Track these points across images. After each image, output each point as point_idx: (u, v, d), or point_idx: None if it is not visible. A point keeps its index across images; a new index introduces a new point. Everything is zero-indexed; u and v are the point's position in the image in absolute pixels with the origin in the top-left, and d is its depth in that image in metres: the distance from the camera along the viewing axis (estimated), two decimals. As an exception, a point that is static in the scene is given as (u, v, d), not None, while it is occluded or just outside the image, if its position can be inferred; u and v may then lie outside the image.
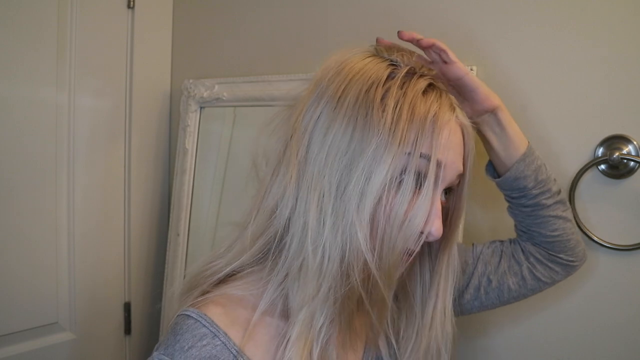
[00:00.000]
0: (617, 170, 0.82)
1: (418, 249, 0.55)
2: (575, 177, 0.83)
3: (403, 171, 0.52)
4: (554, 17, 0.85)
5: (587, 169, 0.82)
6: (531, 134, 0.87)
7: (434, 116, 0.53)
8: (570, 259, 0.72)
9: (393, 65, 0.57)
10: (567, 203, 0.72)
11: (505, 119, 0.69)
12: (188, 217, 1.29)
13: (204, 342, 0.53)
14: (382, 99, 0.53)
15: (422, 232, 0.54)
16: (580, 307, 0.86)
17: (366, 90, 0.53)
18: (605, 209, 0.83)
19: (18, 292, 1.14)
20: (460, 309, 0.74)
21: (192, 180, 1.29)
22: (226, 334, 0.54)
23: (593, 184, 0.84)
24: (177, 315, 0.57)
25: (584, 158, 0.84)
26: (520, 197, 0.70)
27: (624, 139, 0.81)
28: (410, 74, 0.56)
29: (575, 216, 0.83)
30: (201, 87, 1.27)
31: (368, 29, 1.05)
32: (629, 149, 0.80)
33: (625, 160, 0.80)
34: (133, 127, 1.32)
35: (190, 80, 1.29)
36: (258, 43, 1.23)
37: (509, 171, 0.69)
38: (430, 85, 0.56)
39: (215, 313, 0.56)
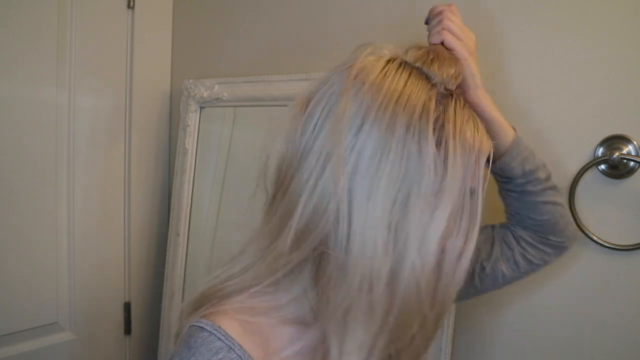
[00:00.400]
0: (617, 170, 0.82)
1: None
2: (575, 177, 0.83)
3: (460, 210, 0.51)
4: (554, 17, 0.85)
5: (587, 169, 0.82)
6: (531, 134, 0.87)
7: (478, 150, 0.53)
8: (560, 240, 0.73)
9: (434, 85, 0.54)
10: (557, 187, 0.72)
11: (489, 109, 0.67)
12: (188, 217, 1.29)
13: (220, 356, 0.52)
14: (434, 130, 0.51)
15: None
16: (579, 306, 0.86)
17: (418, 118, 0.51)
18: (605, 209, 0.83)
19: (18, 292, 1.14)
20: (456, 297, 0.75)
21: (192, 180, 1.29)
22: (241, 347, 0.53)
23: (593, 184, 0.84)
24: (190, 327, 0.55)
25: (584, 158, 0.84)
26: (507, 183, 0.71)
27: (624, 139, 0.81)
28: (452, 98, 0.54)
29: (575, 216, 0.83)
30: (201, 87, 1.27)
31: (368, 28, 1.05)
32: (629, 149, 0.80)
33: (625, 160, 0.80)
34: (133, 127, 1.32)
35: (190, 80, 1.29)
36: (258, 43, 1.23)
37: (494, 164, 0.69)
38: (469, 113, 0.55)
39: (230, 325, 0.54)
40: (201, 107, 1.29)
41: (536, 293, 0.89)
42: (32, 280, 1.16)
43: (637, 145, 0.80)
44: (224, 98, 1.23)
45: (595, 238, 0.82)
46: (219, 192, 1.26)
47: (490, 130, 0.66)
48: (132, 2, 1.28)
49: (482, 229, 0.76)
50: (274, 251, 0.55)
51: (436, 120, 0.51)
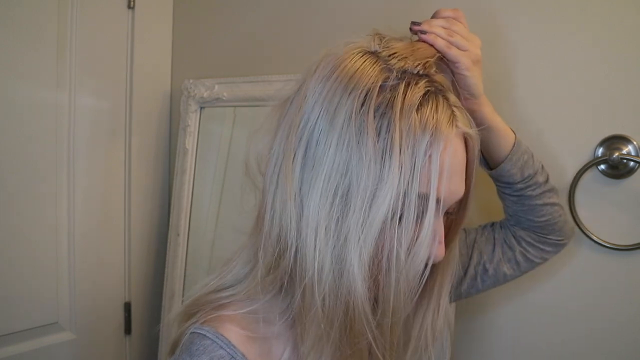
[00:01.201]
0: (617, 170, 0.82)
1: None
2: (575, 177, 0.83)
3: (401, 207, 0.47)
4: (554, 17, 0.85)
5: (587, 169, 0.82)
6: (531, 134, 0.87)
7: (430, 145, 0.47)
8: (559, 238, 0.73)
9: (387, 68, 0.50)
10: (555, 188, 0.72)
11: (490, 115, 0.64)
12: (188, 217, 1.29)
13: None
14: (375, 117, 0.47)
15: (426, 265, 0.51)
16: (580, 307, 0.86)
17: (360, 106, 0.48)
18: (605, 209, 0.83)
19: (18, 292, 1.14)
20: (457, 296, 0.74)
21: (192, 180, 1.29)
22: (244, 356, 0.53)
23: (593, 184, 0.84)
24: (191, 333, 0.54)
25: (584, 158, 0.84)
26: (506, 187, 0.70)
27: (624, 139, 0.81)
28: (405, 81, 0.49)
29: (575, 216, 0.83)
30: (201, 87, 1.27)
31: (368, 29, 1.05)
32: (628, 149, 0.80)
33: (625, 160, 0.80)
34: (133, 127, 1.32)
35: (190, 80, 1.29)
36: (258, 43, 1.23)
37: (494, 170, 0.68)
38: (425, 94, 0.49)
39: (231, 331, 0.53)
40: (201, 107, 1.29)
41: (536, 294, 0.89)
42: (32, 280, 1.16)
43: (637, 145, 0.80)
44: (224, 98, 1.23)
45: (595, 238, 0.82)
46: (219, 192, 1.26)
47: (492, 139, 0.65)
48: (132, 2, 1.28)
49: (483, 228, 0.76)
50: (258, 271, 0.54)
51: (379, 106, 0.48)
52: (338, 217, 0.48)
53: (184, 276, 1.28)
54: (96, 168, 1.27)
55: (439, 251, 0.52)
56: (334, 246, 0.48)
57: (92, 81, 1.23)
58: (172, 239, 1.30)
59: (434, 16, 0.61)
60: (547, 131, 0.87)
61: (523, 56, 0.88)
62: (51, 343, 1.21)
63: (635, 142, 0.80)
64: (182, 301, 0.69)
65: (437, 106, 0.49)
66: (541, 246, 0.73)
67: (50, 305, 1.20)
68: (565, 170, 0.85)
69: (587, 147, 0.84)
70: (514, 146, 0.66)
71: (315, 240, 0.49)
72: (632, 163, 0.80)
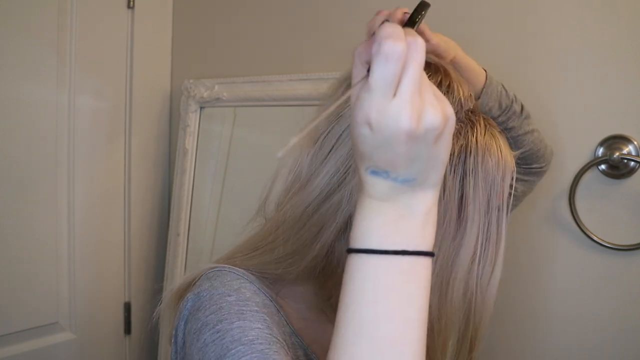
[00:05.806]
0: (617, 170, 0.82)
1: None
2: (575, 177, 0.83)
3: (484, 239, 0.54)
4: (555, 18, 0.85)
5: (587, 169, 0.82)
6: (531, 134, 0.87)
7: (502, 174, 0.53)
8: (541, 165, 0.75)
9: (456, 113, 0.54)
10: (530, 114, 0.72)
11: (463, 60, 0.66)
12: (188, 217, 1.29)
13: (241, 281, 0.50)
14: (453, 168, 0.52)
15: None
16: (579, 307, 0.86)
17: None
18: (605, 209, 0.83)
19: (18, 292, 1.14)
20: None
21: (192, 180, 1.29)
22: (261, 284, 0.52)
23: (593, 184, 0.84)
24: (204, 273, 0.53)
25: (584, 158, 0.84)
26: None
27: (624, 139, 0.81)
28: (474, 125, 0.53)
29: (575, 216, 0.83)
30: (201, 87, 1.27)
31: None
32: (629, 149, 0.80)
33: (625, 160, 0.80)
34: (133, 127, 1.32)
35: (190, 80, 1.29)
36: (258, 43, 1.23)
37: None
38: (486, 133, 0.54)
39: (243, 269, 0.53)
40: (201, 107, 1.29)
41: (536, 294, 0.89)
42: (32, 280, 1.16)
43: (637, 145, 0.80)
44: (224, 98, 1.23)
45: (595, 238, 0.82)
46: (219, 192, 1.26)
47: (465, 76, 0.65)
48: (132, 2, 1.28)
49: None
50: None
51: (458, 154, 0.49)
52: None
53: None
54: (96, 168, 1.27)
55: None
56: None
57: (92, 81, 1.23)
58: (172, 239, 1.30)
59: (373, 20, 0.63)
60: (547, 131, 0.86)
61: (523, 57, 0.88)
62: (51, 343, 1.21)
63: (635, 142, 0.80)
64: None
65: (499, 142, 0.52)
66: (526, 177, 0.75)
67: (50, 305, 1.20)
68: (566, 170, 0.85)
69: (588, 147, 0.84)
70: (486, 79, 0.68)
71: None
72: (632, 163, 0.80)
